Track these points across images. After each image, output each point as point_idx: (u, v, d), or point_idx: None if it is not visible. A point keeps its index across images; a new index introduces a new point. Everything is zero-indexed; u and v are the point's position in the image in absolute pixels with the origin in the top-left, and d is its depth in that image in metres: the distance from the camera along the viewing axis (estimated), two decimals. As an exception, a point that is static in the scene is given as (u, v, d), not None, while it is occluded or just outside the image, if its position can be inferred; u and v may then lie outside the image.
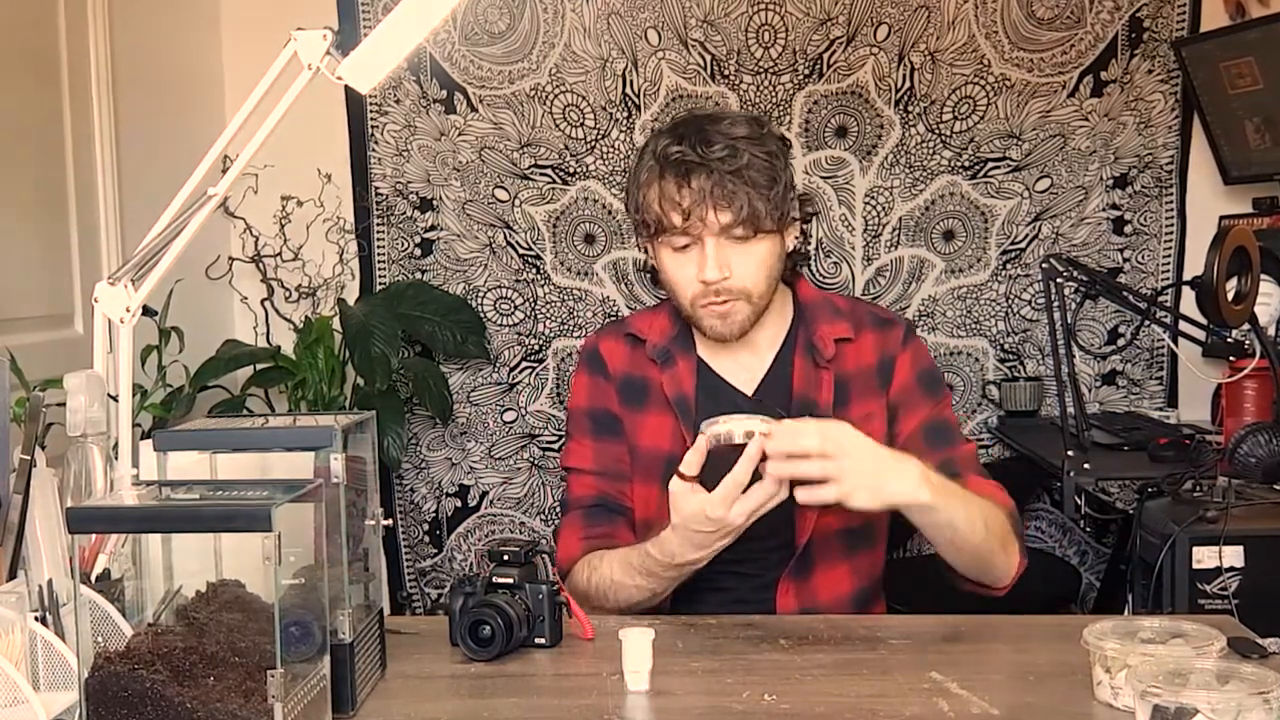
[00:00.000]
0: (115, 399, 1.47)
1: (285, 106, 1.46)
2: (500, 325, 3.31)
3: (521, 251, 3.28)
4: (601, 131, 3.24)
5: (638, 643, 1.32)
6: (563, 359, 3.31)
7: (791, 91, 3.22)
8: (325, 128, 3.18)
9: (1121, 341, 3.23)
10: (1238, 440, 2.28)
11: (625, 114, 3.23)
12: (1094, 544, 3.25)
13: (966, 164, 3.23)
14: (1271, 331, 2.54)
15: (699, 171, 1.59)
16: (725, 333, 1.68)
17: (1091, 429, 2.49)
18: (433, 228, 3.29)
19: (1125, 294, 2.77)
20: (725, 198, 1.59)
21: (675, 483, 1.46)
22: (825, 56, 3.21)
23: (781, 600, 1.69)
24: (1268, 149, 2.94)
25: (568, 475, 1.79)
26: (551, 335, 3.31)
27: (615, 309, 3.28)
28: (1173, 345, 3.04)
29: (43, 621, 1.24)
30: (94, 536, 1.34)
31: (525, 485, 3.35)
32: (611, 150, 3.24)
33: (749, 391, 1.74)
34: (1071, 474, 2.36)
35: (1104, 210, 3.24)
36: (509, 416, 3.33)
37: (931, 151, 3.23)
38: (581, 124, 3.24)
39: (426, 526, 3.37)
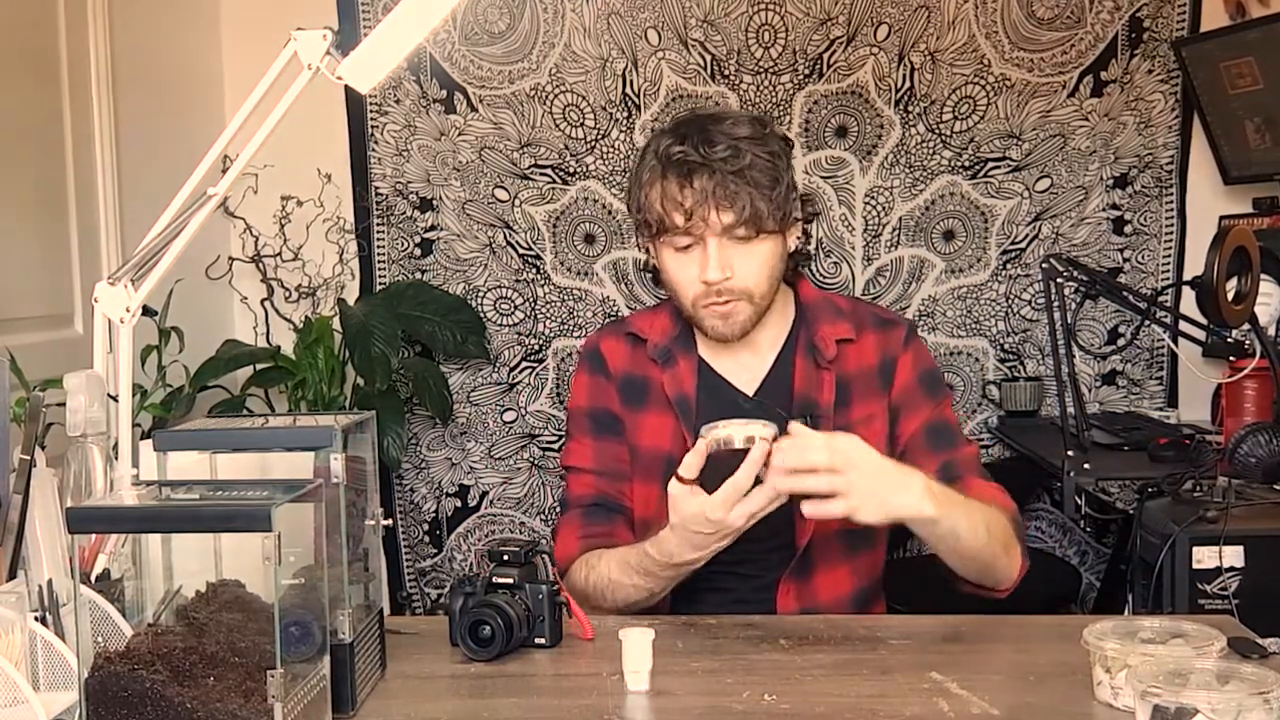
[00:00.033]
0: (115, 399, 1.47)
1: (285, 106, 1.46)
2: (500, 325, 3.31)
3: (521, 251, 3.28)
4: (601, 131, 3.24)
5: (638, 643, 1.32)
6: (563, 359, 3.31)
7: (791, 91, 3.22)
8: (325, 128, 3.18)
9: (1121, 341, 3.23)
10: (1238, 440, 2.28)
11: (625, 114, 3.23)
12: (1094, 544, 3.25)
13: (966, 164, 3.23)
14: (1271, 331, 2.54)
15: (701, 172, 1.59)
16: (727, 333, 1.68)
17: (1091, 429, 2.49)
18: (433, 228, 3.29)
19: (1125, 294, 2.77)
20: (728, 198, 1.59)
21: (674, 485, 1.46)
22: (825, 56, 3.21)
23: (782, 601, 1.69)
24: (1268, 149, 2.94)
25: (567, 474, 1.79)
26: (551, 335, 3.31)
27: (615, 309, 3.28)
28: (1173, 345, 3.04)
29: (43, 621, 1.24)
30: (94, 536, 1.34)
31: (525, 485, 3.35)
32: (611, 150, 3.24)
33: (750, 392, 1.74)
34: (1071, 474, 2.36)
35: (1104, 210, 3.24)
36: (509, 416, 3.33)
37: (931, 151, 3.23)
38: (581, 124, 3.24)
39: (426, 526, 3.37)
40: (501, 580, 1.46)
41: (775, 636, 1.50)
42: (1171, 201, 3.23)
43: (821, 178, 3.24)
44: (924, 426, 1.71)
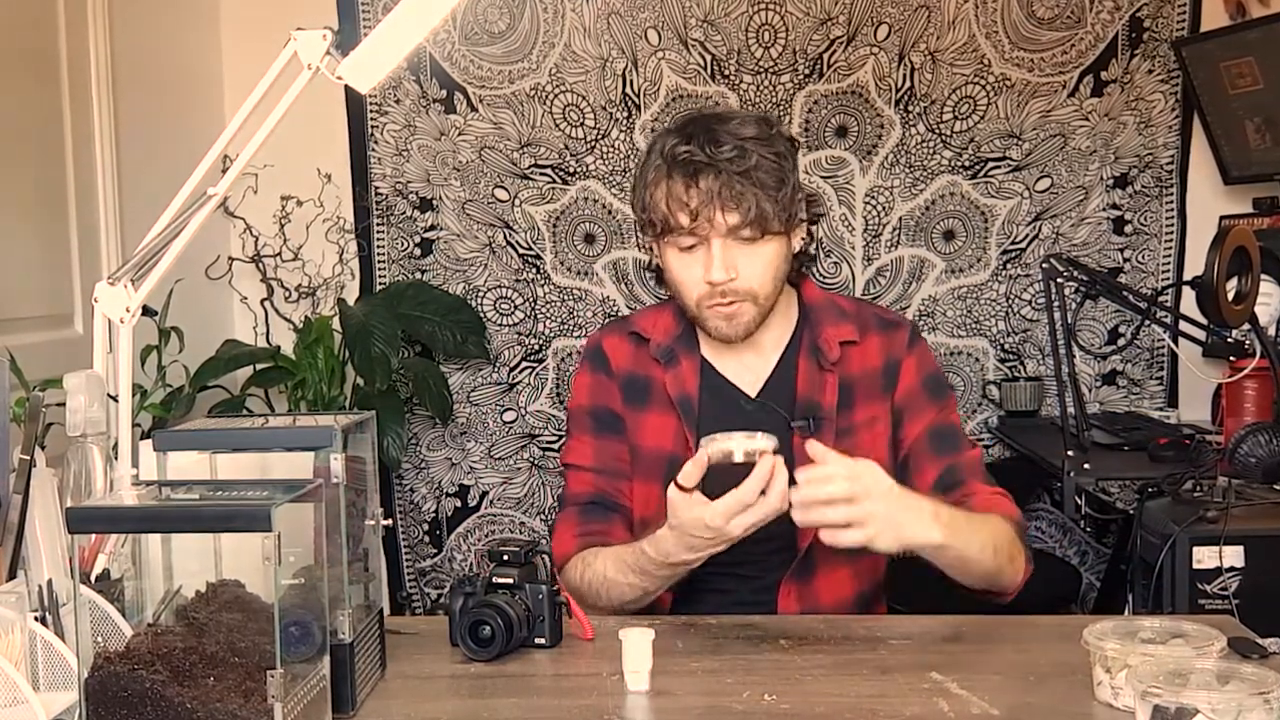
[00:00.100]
0: (115, 399, 1.47)
1: (285, 106, 1.46)
2: (500, 325, 3.31)
3: (521, 251, 3.28)
4: (601, 131, 3.24)
5: (638, 643, 1.32)
6: (563, 359, 3.31)
7: (791, 91, 3.22)
8: (325, 128, 3.18)
9: (1122, 341, 3.23)
10: (1238, 440, 2.28)
11: (625, 114, 3.23)
12: (1094, 544, 3.25)
13: (967, 164, 3.23)
14: (1272, 331, 2.54)
15: (707, 172, 1.59)
16: (730, 334, 1.67)
17: (1092, 429, 2.49)
18: (433, 227, 3.29)
19: (1125, 294, 2.77)
20: (733, 199, 1.58)
21: (673, 490, 1.45)
22: (825, 56, 3.21)
23: (783, 603, 1.68)
24: (1268, 149, 2.94)
25: (566, 471, 1.78)
26: (551, 335, 3.31)
27: (615, 309, 3.28)
28: (1173, 345, 3.04)
29: (43, 621, 1.24)
30: (94, 536, 1.34)
31: (525, 485, 3.35)
32: (611, 150, 3.24)
33: (752, 393, 1.73)
34: (1072, 474, 2.36)
35: (1104, 210, 3.24)
36: (509, 416, 3.33)
37: (932, 151, 3.23)
38: (581, 124, 3.24)
39: (426, 526, 3.37)
40: (501, 580, 1.46)
41: (775, 636, 1.49)
42: (1172, 201, 3.23)
43: (821, 178, 3.24)
44: (928, 430, 1.70)
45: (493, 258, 3.29)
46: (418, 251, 3.30)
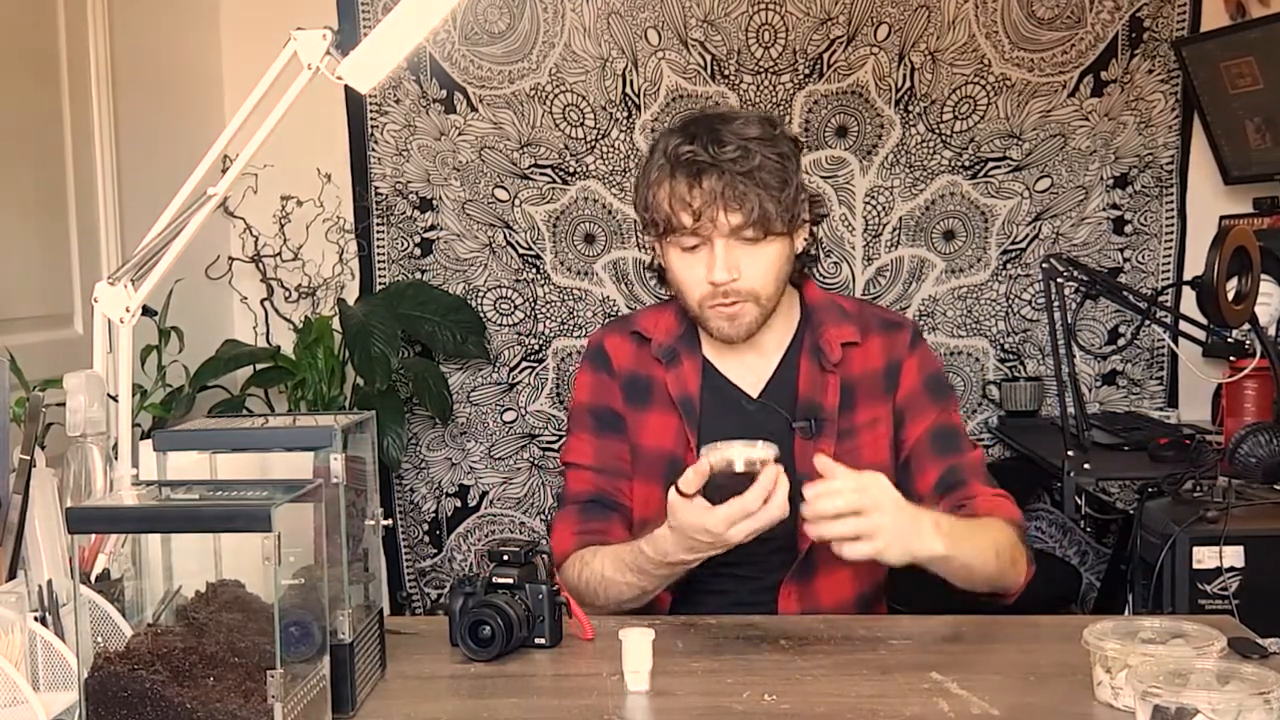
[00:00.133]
0: (115, 399, 1.47)
1: (285, 106, 1.46)
2: (500, 325, 3.31)
3: (521, 251, 3.28)
4: (601, 131, 3.24)
5: (638, 643, 1.32)
6: (563, 359, 3.31)
7: (791, 91, 3.22)
8: (325, 128, 3.18)
9: (1122, 341, 3.23)
10: (1238, 440, 2.28)
11: (625, 114, 3.23)
12: (1094, 544, 3.25)
13: (967, 164, 3.23)
14: (1272, 331, 2.54)
15: (710, 172, 1.58)
16: (733, 334, 1.67)
17: (1092, 429, 2.49)
18: (432, 227, 3.29)
19: (1125, 294, 2.77)
20: (736, 199, 1.58)
21: (674, 495, 1.45)
22: (825, 56, 3.21)
23: (784, 604, 1.68)
24: (1268, 149, 2.94)
25: (566, 470, 1.78)
26: (551, 335, 3.31)
27: (615, 309, 3.28)
28: (1173, 345, 3.04)
29: (42, 621, 1.24)
30: (94, 536, 1.34)
31: (525, 485, 3.35)
32: (611, 150, 3.24)
33: (754, 393, 1.73)
34: (1072, 474, 2.36)
35: (1104, 210, 3.24)
36: (509, 416, 3.33)
37: (932, 151, 3.23)
38: (581, 124, 3.24)
39: (426, 526, 3.37)
40: (501, 580, 1.46)
41: (775, 637, 1.49)
42: (1172, 201, 3.23)
43: (821, 178, 3.24)
44: (929, 431, 1.70)
45: (493, 258, 3.29)
46: (418, 251, 3.30)
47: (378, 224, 3.29)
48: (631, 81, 3.22)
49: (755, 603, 1.68)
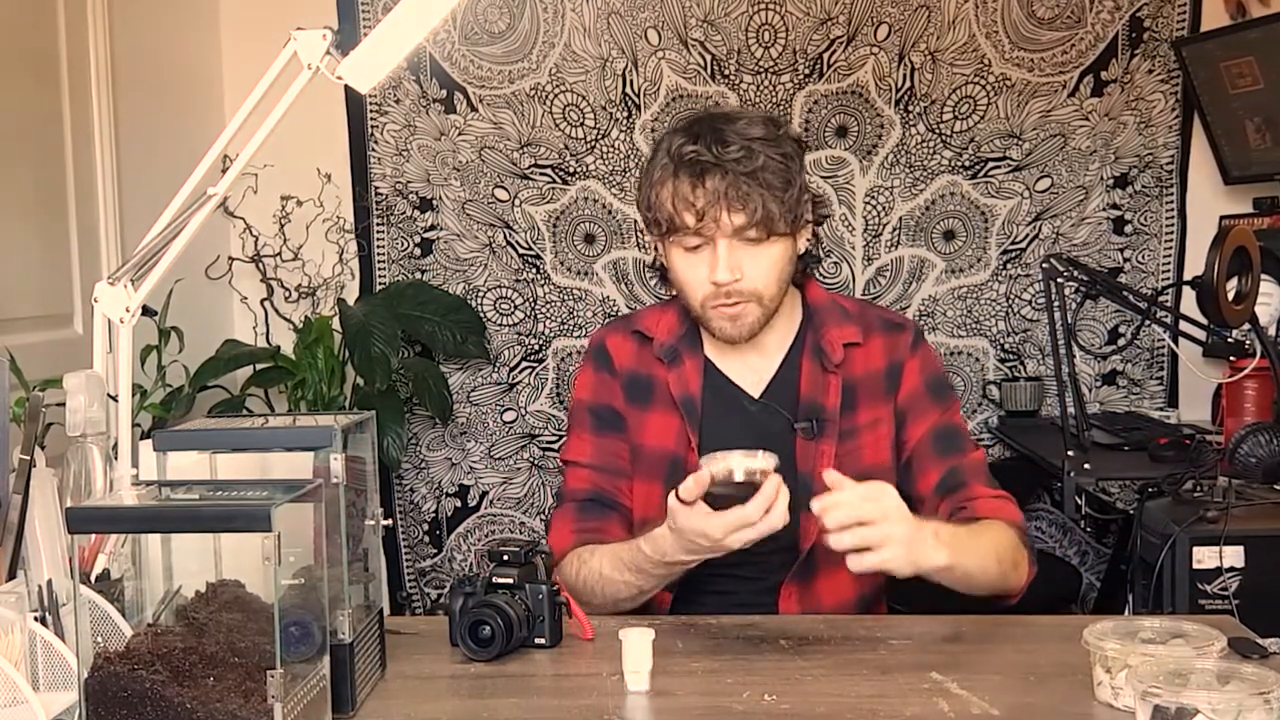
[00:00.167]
0: (115, 399, 1.47)
1: (285, 106, 1.46)
2: (500, 325, 3.31)
3: (521, 251, 3.28)
4: (601, 131, 3.24)
5: (638, 643, 1.32)
6: (563, 359, 3.31)
7: (791, 91, 3.22)
8: (325, 128, 3.18)
9: (1122, 341, 3.23)
10: (1238, 440, 2.28)
11: (625, 114, 3.23)
12: (1094, 544, 3.25)
13: (967, 164, 3.23)
14: (1272, 331, 2.54)
15: (714, 172, 1.58)
16: (735, 335, 1.67)
17: (1092, 429, 2.49)
18: (432, 227, 3.29)
19: (1125, 294, 2.77)
20: (739, 199, 1.58)
21: (673, 500, 1.45)
22: (825, 56, 3.21)
23: (784, 604, 1.68)
24: (1268, 149, 2.94)
25: (565, 468, 1.78)
26: (551, 335, 3.31)
27: (615, 309, 3.28)
28: (1173, 345, 3.04)
29: (42, 621, 1.24)
30: (94, 536, 1.34)
31: (525, 485, 3.35)
32: (611, 150, 3.24)
33: (756, 393, 1.73)
34: (1072, 474, 2.36)
35: (1104, 210, 3.24)
36: (509, 416, 3.33)
37: (932, 151, 3.23)
38: (581, 124, 3.24)
39: (426, 526, 3.37)
40: (501, 580, 1.46)
41: (775, 637, 1.49)
42: (1172, 201, 3.23)
43: (822, 178, 3.24)
44: (930, 432, 1.70)
45: (493, 258, 3.29)
46: (418, 251, 3.30)
47: (378, 224, 3.29)
48: (631, 81, 3.22)
49: (756, 603, 1.68)
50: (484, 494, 3.35)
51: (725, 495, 1.40)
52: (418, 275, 3.29)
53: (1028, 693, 1.30)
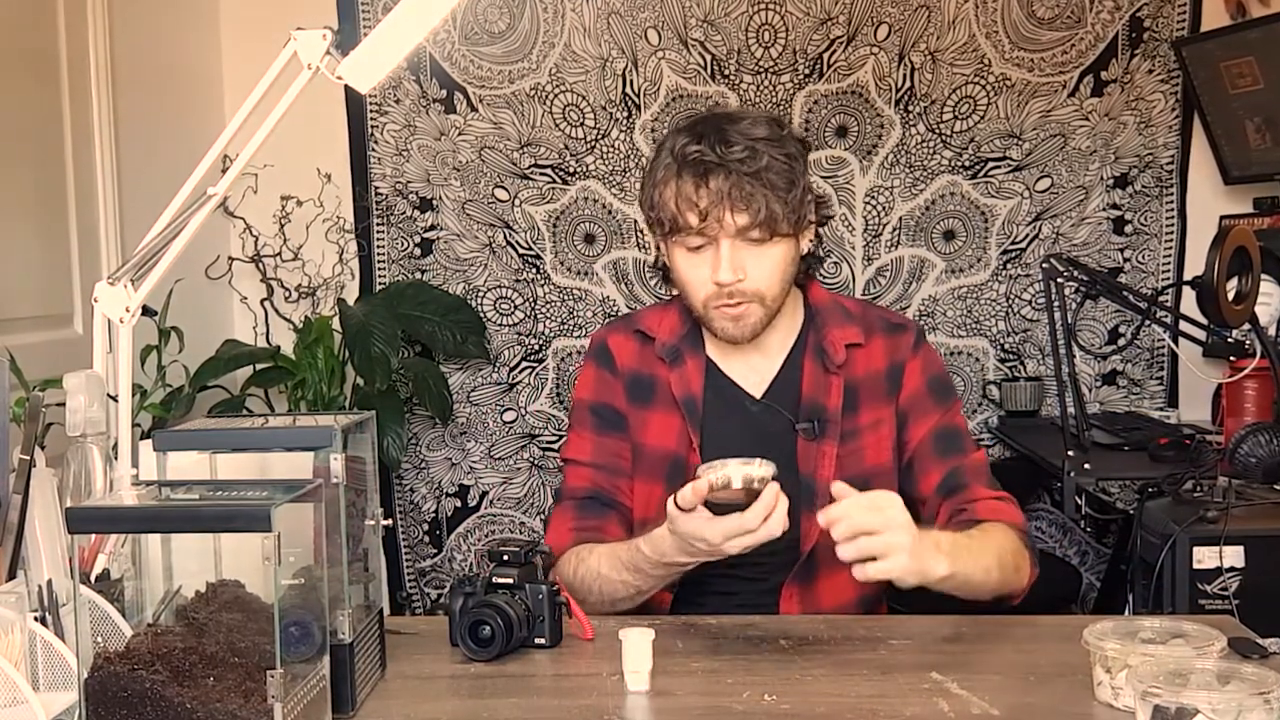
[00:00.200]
0: (115, 399, 1.47)
1: (285, 106, 1.46)
2: (500, 325, 3.31)
3: (521, 251, 3.28)
4: (601, 131, 3.24)
5: (638, 643, 1.32)
6: (563, 359, 3.31)
7: (791, 91, 3.22)
8: (325, 128, 3.18)
9: (1122, 341, 3.23)
10: (1238, 440, 2.28)
11: (625, 114, 3.23)
12: (1094, 544, 3.25)
13: (967, 164, 3.23)
14: (1272, 331, 2.54)
15: (717, 172, 1.58)
16: (737, 335, 1.67)
17: (1092, 429, 2.49)
18: (432, 227, 3.29)
19: (1125, 294, 2.76)
20: (743, 200, 1.58)
21: (671, 505, 1.45)
22: (825, 56, 3.21)
23: (785, 605, 1.68)
24: (1268, 149, 2.94)
25: (565, 466, 1.78)
26: (551, 335, 3.31)
27: (615, 309, 3.28)
28: (1173, 345, 3.04)
29: (42, 621, 1.24)
30: (94, 536, 1.34)
31: (525, 485, 3.35)
32: (611, 150, 3.24)
33: (757, 394, 1.73)
34: (1072, 474, 2.36)
35: (1104, 210, 3.23)
36: (509, 416, 3.33)
37: (932, 151, 3.23)
38: (581, 124, 3.24)
39: (426, 526, 3.37)
40: (501, 580, 1.46)
41: (775, 637, 1.49)
42: (1172, 201, 3.23)
43: (822, 178, 3.24)
44: (932, 432, 1.70)
45: (493, 258, 3.29)
46: (418, 251, 3.30)
47: (378, 224, 3.29)
48: (631, 81, 3.22)
49: (757, 604, 1.68)
50: (484, 494, 3.35)
51: (725, 500, 1.40)
52: (418, 275, 3.29)
53: (1028, 693, 1.30)
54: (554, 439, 3.30)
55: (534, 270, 3.29)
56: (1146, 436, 2.61)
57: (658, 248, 1.72)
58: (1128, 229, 3.24)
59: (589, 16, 3.20)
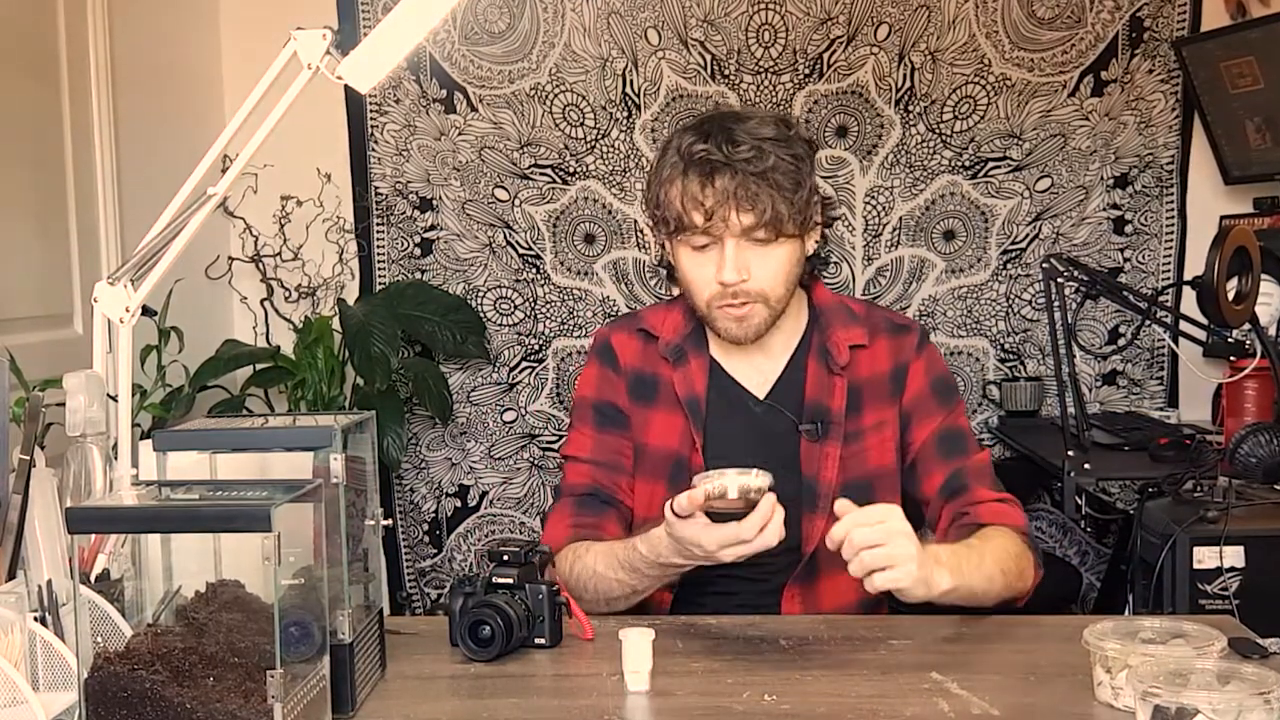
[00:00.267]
0: (115, 399, 1.47)
1: (285, 106, 1.46)
2: (500, 325, 3.31)
3: (521, 251, 3.28)
4: (601, 131, 3.24)
5: (638, 643, 1.32)
6: (562, 359, 3.31)
7: (791, 91, 3.22)
8: (325, 128, 3.18)
9: (1122, 341, 3.23)
10: (1238, 440, 2.28)
11: (625, 114, 3.23)
12: (1094, 544, 3.25)
13: (967, 164, 3.23)
14: (1272, 331, 2.54)
15: (723, 171, 1.58)
16: (741, 335, 1.67)
17: (1092, 429, 2.49)
18: (432, 227, 3.29)
19: (1126, 294, 2.76)
20: (748, 199, 1.58)
21: (669, 510, 1.45)
22: (825, 56, 3.21)
23: (787, 606, 1.68)
24: (1268, 149, 2.94)
25: (565, 463, 1.78)
26: (551, 335, 3.31)
27: (615, 309, 3.28)
28: (1173, 345, 3.04)
29: (42, 621, 1.24)
30: (94, 536, 1.34)
31: (525, 485, 3.35)
32: (611, 150, 3.24)
33: (761, 395, 1.73)
34: (1072, 474, 2.36)
35: (1104, 210, 3.23)
36: (509, 416, 3.33)
37: (932, 151, 3.23)
38: (581, 124, 3.24)
39: (426, 526, 3.37)
40: (501, 580, 1.46)
41: (775, 637, 1.49)
42: (1172, 201, 3.22)
43: (822, 177, 3.23)
44: (935, 434, 1.70)
45: (493, 258, 3.29)
46: (418, 251, 3.30)
47: (378, 224, 3.29)
48: (631, 81, 3.22)
49: (758, 605, 1.68)
50: (484, 494, 3.35)
51: (723, 509, 1.40)
52: (418, 275, 3.29)
53: (1028, 693, 1.30)
54: (554, 439, 3.30)
55: (534, 270, 3.29)
56: (1146, 436, 2.61)
57: (662, 246, 1.71)
58: (1128, 229, 3.24)
59: (589, 16, 3.20)
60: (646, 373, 1.76)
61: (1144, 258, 3.24)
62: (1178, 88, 3.17)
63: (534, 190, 3.26)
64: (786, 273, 1.64)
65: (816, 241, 1.71)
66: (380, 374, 2.88)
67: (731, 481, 1.39)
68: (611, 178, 3.25)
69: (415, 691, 1.35)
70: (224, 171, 1.53)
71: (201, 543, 1.25)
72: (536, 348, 3.31)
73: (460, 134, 3.25)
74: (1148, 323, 2.68)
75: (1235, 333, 2.53)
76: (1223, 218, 3.05)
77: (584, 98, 3.23)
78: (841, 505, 1.43)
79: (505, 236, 3.28)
